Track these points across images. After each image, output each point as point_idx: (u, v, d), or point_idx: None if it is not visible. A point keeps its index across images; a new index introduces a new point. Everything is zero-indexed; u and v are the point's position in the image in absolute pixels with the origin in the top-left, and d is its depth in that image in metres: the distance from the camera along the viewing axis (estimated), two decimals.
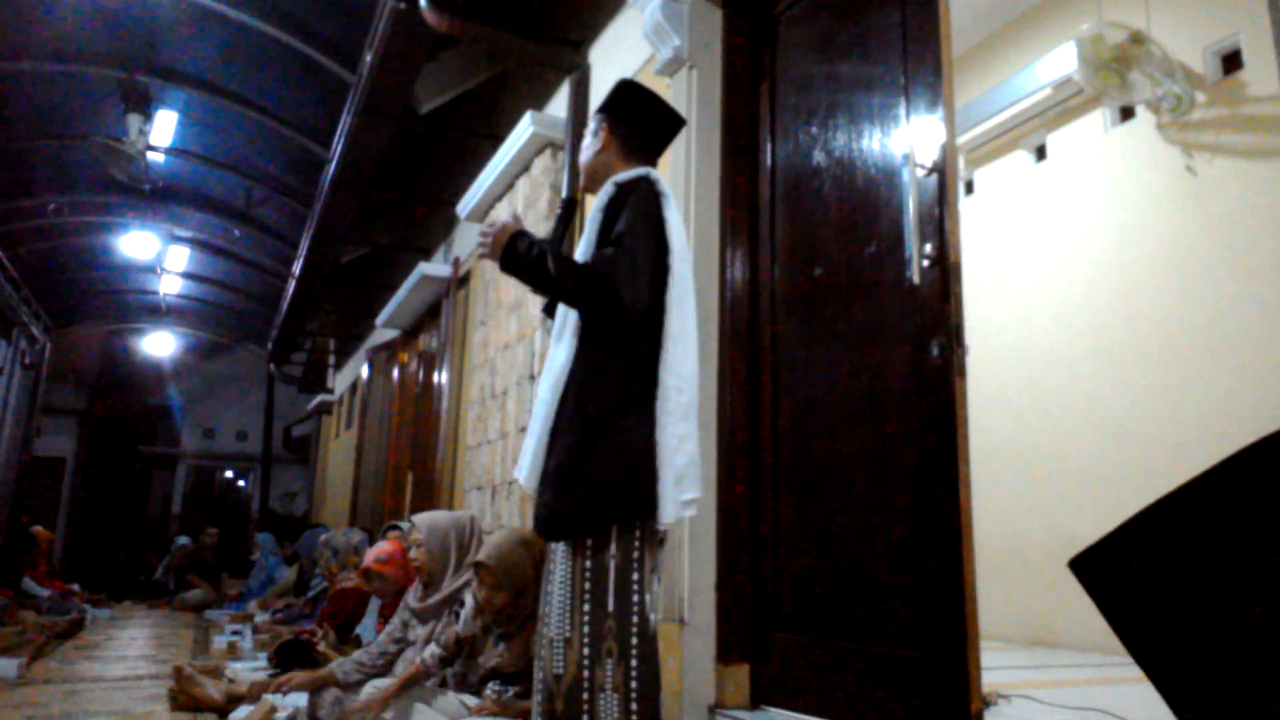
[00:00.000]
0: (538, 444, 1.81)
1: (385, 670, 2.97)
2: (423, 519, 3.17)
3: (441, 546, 3.09)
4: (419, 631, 3.06)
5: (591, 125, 2.03)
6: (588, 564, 1.68)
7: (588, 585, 1.67)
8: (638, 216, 1.79)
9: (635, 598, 1.68)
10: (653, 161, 2.00)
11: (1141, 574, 0.71)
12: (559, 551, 1.73)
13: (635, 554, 1.70)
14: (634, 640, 1.66)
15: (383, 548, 3.63)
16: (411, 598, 3.17)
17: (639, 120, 1.99)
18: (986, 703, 2.07)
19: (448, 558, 3.09)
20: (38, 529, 8.17)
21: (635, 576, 1.69)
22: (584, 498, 1.69)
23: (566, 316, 1.87)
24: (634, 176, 1.86)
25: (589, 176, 1.99)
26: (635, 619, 1.67)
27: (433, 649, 2.75)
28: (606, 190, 1.87)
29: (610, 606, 1.66)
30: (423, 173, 6.86)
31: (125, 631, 6.46)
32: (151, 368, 15.30)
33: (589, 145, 2.01)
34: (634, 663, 1.65)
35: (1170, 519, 0.70)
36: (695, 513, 1.79)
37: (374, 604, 4.04)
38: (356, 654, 3.10)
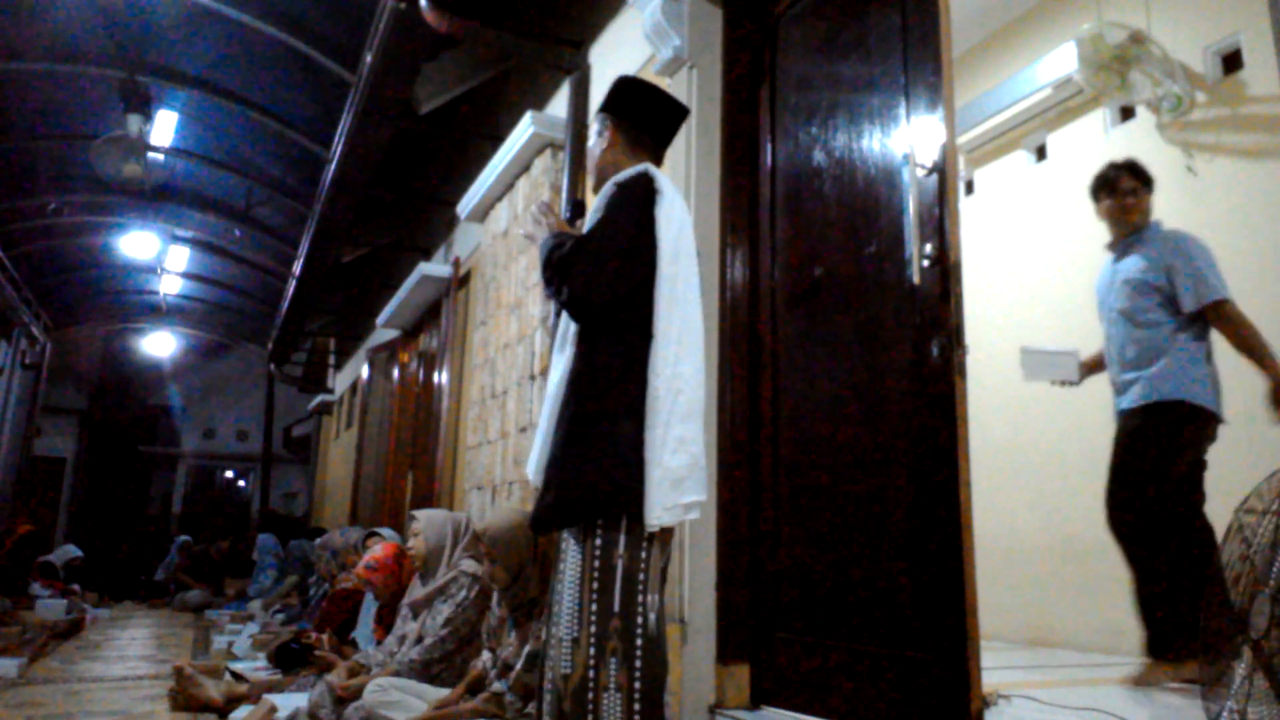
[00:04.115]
0: (542, 442, 1.85)
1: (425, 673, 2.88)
2: (422, 512, 3.27)
3: (439, 536, 3.17)
4: (410, 626, 3.08)
5: (595, 126, 2.04)
6: (596, 564, 1.69)
7: (595, 586, 1.68)
8: (611, 215, 1.81)
9: (641, 599, 1.69)
10: (659, 154, 2.01)
11: None
12: (568, 550, 1.74)
13: (643, 556, 1.71)
14: (639, 641, 1.67)
15: (374, 553, 3.66)
16: (409, 597, 3.20)
17: (640, 113, 2.00)
18: (986, 703, 2.06)
19: (443, 548, 3.17)
20: (27, 527, 8.13)
21: (642, 578, 1.70)
22: (566, 493, 1.72)
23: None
24: (632, 174, 1.86)
25: (599, 177, 2.00)
26: (640, 620, 1.68)
27: (486, 658, 2.67)
28: (606, 190, 1.88)
29: (616, 607, 1.67)
30: (423, 173, 6.85)
31: (125, 631, 6.46)
32: (151, 368, 15.31)
33: (595, 146, 2.02)
34: (638, 664, 1.67)
35: None
36: (699, 515, 1.80)
37: (368, 607, 4.03)
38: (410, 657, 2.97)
